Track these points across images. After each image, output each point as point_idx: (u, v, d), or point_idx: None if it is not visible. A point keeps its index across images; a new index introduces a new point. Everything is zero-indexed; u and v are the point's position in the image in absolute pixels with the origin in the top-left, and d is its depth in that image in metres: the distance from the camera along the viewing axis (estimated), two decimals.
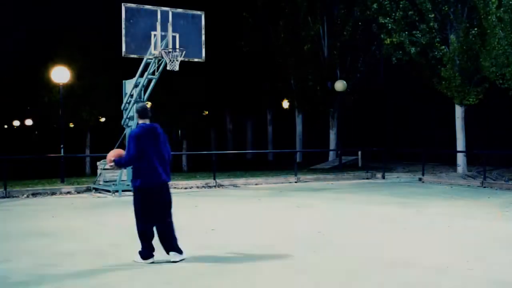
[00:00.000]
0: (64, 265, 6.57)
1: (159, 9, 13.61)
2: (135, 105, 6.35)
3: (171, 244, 6.60)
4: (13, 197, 13.58)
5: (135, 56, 13.53)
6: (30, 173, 21.07)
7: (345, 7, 25.23)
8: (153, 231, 6.57)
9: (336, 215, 10.47)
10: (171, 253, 6.60)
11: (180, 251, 6.64)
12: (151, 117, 6.66)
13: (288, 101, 31.07)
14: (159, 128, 6.63)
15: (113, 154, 6.64)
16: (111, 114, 27.01)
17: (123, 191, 13.99)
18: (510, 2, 16.25)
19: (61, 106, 17.41)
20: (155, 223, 6.54)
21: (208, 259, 6.81)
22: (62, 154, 16.45)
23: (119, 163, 6.60)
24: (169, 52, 13.17)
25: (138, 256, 6.62)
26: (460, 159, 19.92)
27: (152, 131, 6.50)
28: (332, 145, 26.22)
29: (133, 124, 14.41)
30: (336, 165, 23.01)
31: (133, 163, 6.45)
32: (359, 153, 23.88)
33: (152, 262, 6.55)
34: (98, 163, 15.18)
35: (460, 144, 19.81)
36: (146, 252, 6.58)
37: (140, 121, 6.61)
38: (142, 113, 6.61)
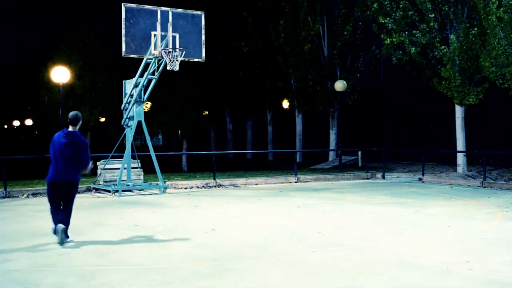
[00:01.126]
0: (64, 265, 6.57)
1: (159, 9, 13.61)
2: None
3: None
4: (13, 197, 13.58)
5: (135, 56, 13.53)
6: (30, 173, 21.07)
7: (346, 7, 25.23)
8: (57, 216, 7.66)
9: (336, 215, 10.47)
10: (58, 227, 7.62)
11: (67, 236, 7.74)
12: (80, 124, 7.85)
13: (288, 101, 31.09)
14: (75, 135, 7.66)
15: None
16: (111, 114, 27.01)
17: (123, 191, 14.00)
18: (510, 2, 16.25)
19: (61, 106, 17.41)
20: (59, 210, 7.77)
21: (208, 259, 6.81)
22: None
23: None
24: (169, 52, 13.17)
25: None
26: (460, 159, 19.92)
27: (65, 137, 7.60)
28: (332, 145, 26.22)
29: (132, 124, 14.43)
30: (336, 165, 23.02)
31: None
32: (359, 153, 23.89)
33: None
34: (98, 163, 15.19)
35: (460, 144, 19.81)
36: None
37: (69, 128, 7.72)
38: (70, 121, 7.76)
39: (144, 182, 15.22)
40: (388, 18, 19.26)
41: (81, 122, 7.84)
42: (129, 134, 14.59)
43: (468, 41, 18.14)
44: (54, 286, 5.70)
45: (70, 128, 7.68)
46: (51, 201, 7.81)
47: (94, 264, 6.59)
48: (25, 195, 13.72)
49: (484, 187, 15.44)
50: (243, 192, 14.68)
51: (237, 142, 36.67)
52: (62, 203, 7.80)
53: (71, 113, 7.73)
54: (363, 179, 18.51)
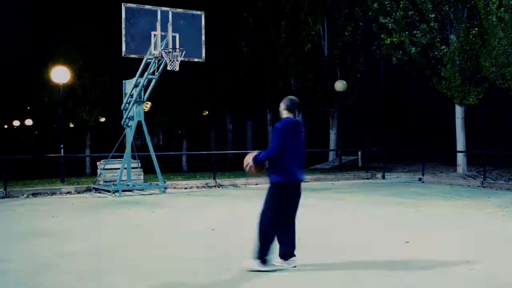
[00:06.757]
0: (64, 265, 6.57)
1: (159, 9, 13.60)
2: None
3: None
4: (13, 197, 13.58)
5: (135, 56, 13.52)
6: (30, 173, 21.06)
7: (347, 7, 25.22)
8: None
9: (336, 215, 10.47)
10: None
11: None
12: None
13: None
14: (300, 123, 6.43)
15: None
16: (111, 114, 27.05)
17: (123, 191, 13.99)
18: (511, 2, 16.24)
19: (61, 106, 17.41)
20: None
21: (208, 259, 6.81)
22: (62, 154, 16.45)
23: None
24: (169, 52, 13.17)
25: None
26: (460, 159, 19.92)
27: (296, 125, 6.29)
28: (332, 145, 26.22)
29: (132, 124, 14.42)
30: (336, 165, 23.00)
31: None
32: (359, 153, 23.88)
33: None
34: (98, 163, 15.19)
35: (460, 144, 19.81)
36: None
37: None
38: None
39: (144, 182, 15.22)
40: (388, 18, 19.26)
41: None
42: (129, 134, 14.59)
43: (468, 41, 18.14)
44: (54, 286, 5.70)
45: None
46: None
47: (94, 264, 6.59)
48: (25, 195, 13.72)
49: (484, 187, 15.44)
50: (243, 192, 14.67)
51: (237, 142, 36.65)
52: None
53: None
54: (363, 179, 18.51)
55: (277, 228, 6.17)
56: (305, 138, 6.34)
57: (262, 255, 6.11)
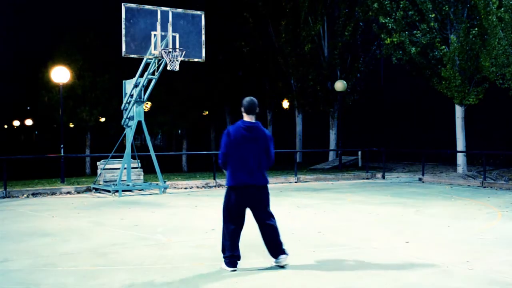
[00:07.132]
0: (64, 265, 6.57)
1: (159, 9, 13.60)
2: None
3: None
4: (13, 197, 13.58)
5: (135, 56, 13.52)
6: (30, 173, 21.07)
7: (347, 7, 25.23)
8: None
9: (336, 215, 10.47)
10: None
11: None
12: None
13: (288, 101, 31.07)
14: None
15: None
16: (111, 114, 27.07)
17: (123, 191, 14.00)
18: (511, 2, 16.25)
19: (61, 106, 17.42)
20: None
21: (208, 259, 6.81)
22: (62, 154, 16.46)
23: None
24: (169, 52, 13.17)
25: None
26: (460, 159, 19.92)
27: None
28: (332, 145, 26.22)
29: (132, 124, 14.42)
30: (336, 165, 23.01)
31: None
32: (359, 153, 23.88)
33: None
34: (98, 163, 15.19)
35: (460, 144, 19.81)
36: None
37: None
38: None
39: (144, 182, 15.22)
40: (388, 18, 19.27)
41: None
42: (129, 134, 14.59)
43: (468, 41, 18.14)
44: (54, 286, 5.70)
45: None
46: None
47: (94, 264, 6.59)
48: (25, 195, 13.72)
49: (484, 187, 15.44)
50: None
51: None
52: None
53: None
54: (363, 179, 18.51)
55: (233, 229, 6.33)
56: (269, 140, 6.43)
57: (224, 254, 6.37)
